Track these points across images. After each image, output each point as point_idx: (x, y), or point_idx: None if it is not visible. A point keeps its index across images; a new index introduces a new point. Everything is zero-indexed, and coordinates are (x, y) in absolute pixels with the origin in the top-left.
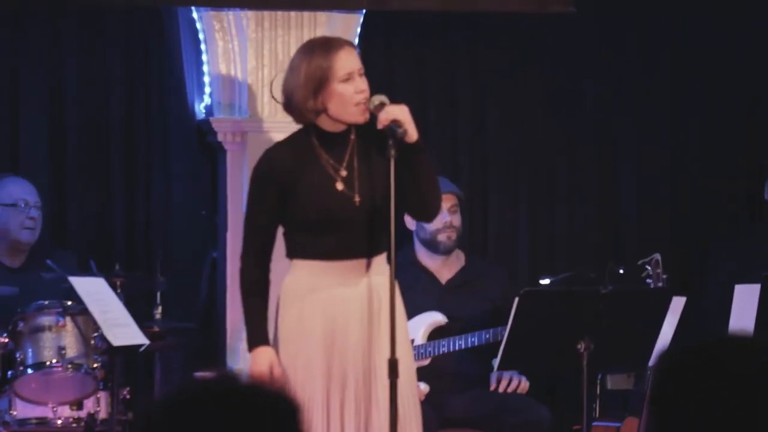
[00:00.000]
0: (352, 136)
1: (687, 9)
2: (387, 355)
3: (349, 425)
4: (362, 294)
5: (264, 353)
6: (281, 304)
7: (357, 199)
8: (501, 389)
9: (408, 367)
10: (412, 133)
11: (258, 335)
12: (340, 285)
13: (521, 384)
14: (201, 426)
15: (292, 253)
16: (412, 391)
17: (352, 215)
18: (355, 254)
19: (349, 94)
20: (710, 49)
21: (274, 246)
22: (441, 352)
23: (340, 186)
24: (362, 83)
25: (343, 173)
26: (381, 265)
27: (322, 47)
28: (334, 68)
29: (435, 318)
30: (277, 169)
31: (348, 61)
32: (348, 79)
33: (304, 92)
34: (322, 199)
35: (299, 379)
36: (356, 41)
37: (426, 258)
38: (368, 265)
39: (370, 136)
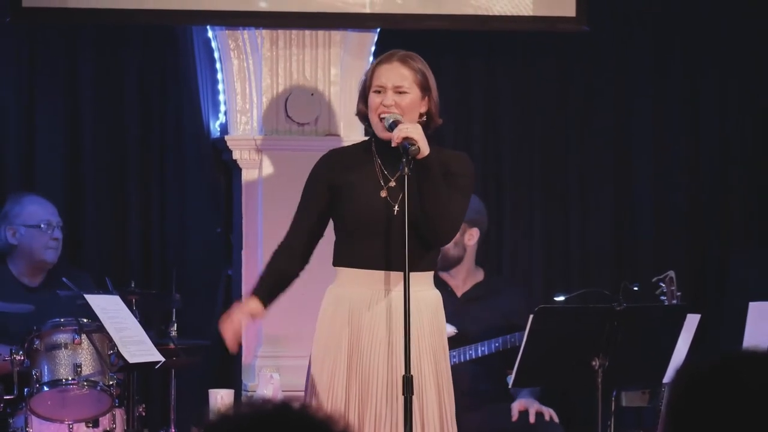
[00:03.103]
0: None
1: (701, 20)
2: (413, 371)
3: None
4: (393, 308)
5: (241, 303)
6: (320, 311)
7: (397, 208)
8: (531, 420)
9: (434, 385)
10: (425, 150)
11: (253, 291)
12: (372, 296)
13: (545, 412)
14: None
15: (335, 260)
16: (441, 411)
17: (389, 224)
18: (391, 266)
19: (375, 105)
20: (727, 63)
21: (311, 251)
22: (452, 362)
23: (383, 193)
24: (390, 98)
25: (392, 184)
26: (420, 283)
27: (379, 58)
28: (372, 78)
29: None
30: (326, 169)
31: (384, 75)
32: (379, 91)
33: (358, 96)
34: (363, 202)
35: (323, 388)
36: (370, 59)
37: (443, 271)
38: (406, 280)
39: (436, 155)
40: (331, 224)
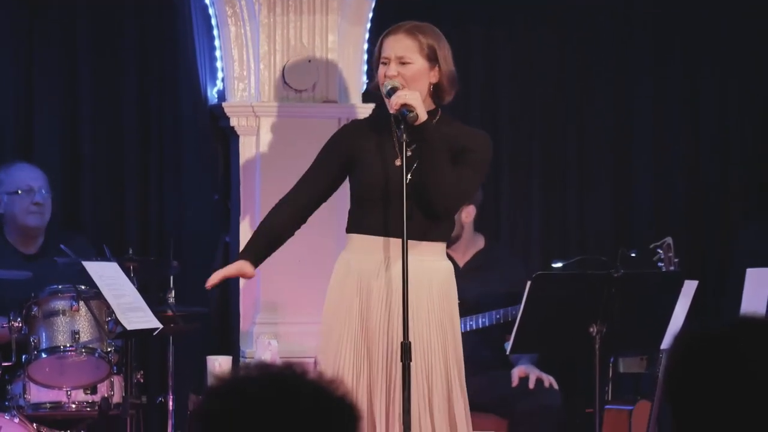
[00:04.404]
0: (434, 123)
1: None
2: (421, 339)
3: (378, 404)
4: (401, 275)
5: (234, 263)
6: (331, 277)
7: (409, 178)
8: (531, 386)
9: (441, 355)
10: (422, 116)
11: (245, 251)
12: (381, 263)
13: (544, 379)
14: (262, 417)
15: (348, 227)
16: (449, 380)
17: (400, 192)
18: (399, 233)
19: (380, 76)
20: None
21: (311, 211)
22: None
23: (398, 162)
24: (392, 69)
25: (408, 153)
26: (432, 253)
27: (387, 30)
28: (379, 51)
29: None
30: (344, 138)
31: (387, 46)
32: (384, 63)
33: (374, 70)
34: (377, 170)
35: (332, 353)
36: (368, 26)
37: None
38: (415, 248)
39: (450, 130)
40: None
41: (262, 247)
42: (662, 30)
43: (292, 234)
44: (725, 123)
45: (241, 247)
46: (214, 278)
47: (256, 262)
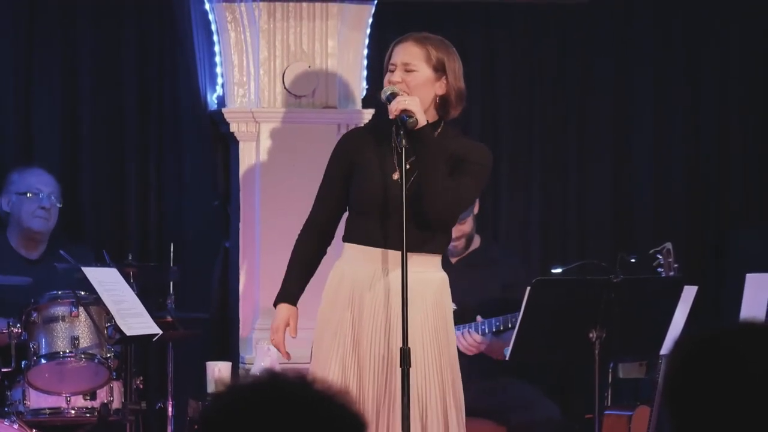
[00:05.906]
0: (435, 135)
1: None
2: (413, 347)
3: (369, 415)
4: (396, 286)
5: (281, 310)
6: (326, 286)
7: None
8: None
9: (436, 367)
10: (422, 122)
11: (283, 293)
12: (375, 274)
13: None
14: (267, 426)
15: (345, 236)
16: (444, 393)
17: (397, 204)
18: (395, 245)
19: (385, 83)
20: (724, 34)
21: (335, 226)
22: None
23: (396, 175)
24: (397, 75)
25: (407, 165)
26: (427, 265)
27: (398, 39)
28: (388, 59)
29: None
30: (346, 146)
31: (396, 54)
32: (392, 70)
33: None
34: (374, 181)
35: (321, 363)
36: (367, 32)
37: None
38: (410, 260)
39: (450, 142)
40: None
41: (299, 285)
42: (662, 30)
43: (326, 252)
44: (725, 123)
45: (242, 253)
46: (281, 343)
47: (296, 302)
